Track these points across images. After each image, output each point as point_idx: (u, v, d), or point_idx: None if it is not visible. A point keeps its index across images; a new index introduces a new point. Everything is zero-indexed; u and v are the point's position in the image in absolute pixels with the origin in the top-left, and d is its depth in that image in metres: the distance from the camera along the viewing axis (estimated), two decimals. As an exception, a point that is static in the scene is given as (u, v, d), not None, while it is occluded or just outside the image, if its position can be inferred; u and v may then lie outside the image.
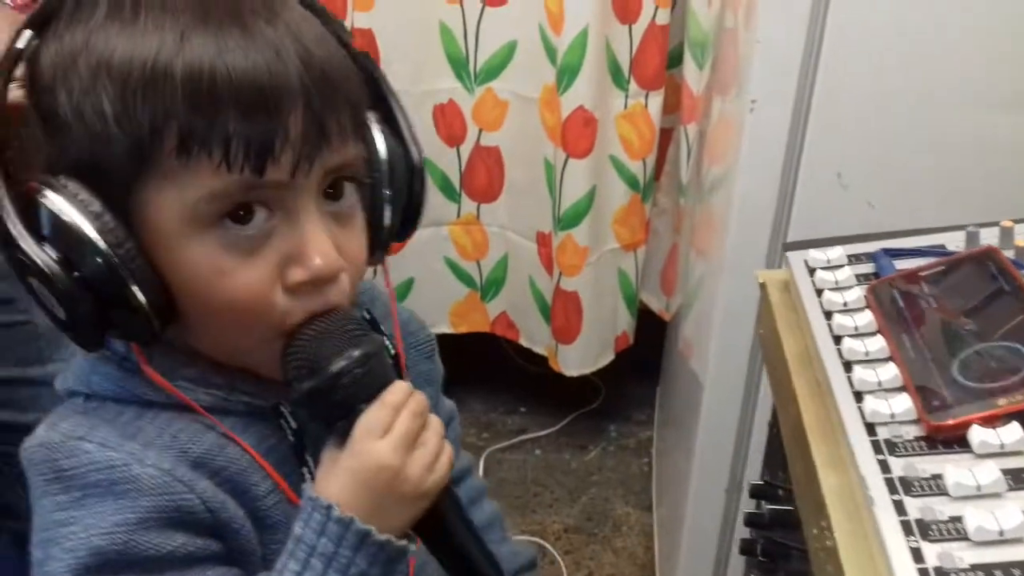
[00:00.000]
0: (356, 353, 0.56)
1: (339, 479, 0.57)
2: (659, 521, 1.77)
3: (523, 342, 2.00)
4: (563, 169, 1.72)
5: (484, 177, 1.85)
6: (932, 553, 0.50)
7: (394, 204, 0.64)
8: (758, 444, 1.22)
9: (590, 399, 2.09)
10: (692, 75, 1.64)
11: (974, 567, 0.49)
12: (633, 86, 1.71)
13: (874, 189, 1.05)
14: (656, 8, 1.64)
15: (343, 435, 0.57)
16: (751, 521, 0.84)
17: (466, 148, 1.82)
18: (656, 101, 1.73)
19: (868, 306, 0.71)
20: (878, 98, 1.03)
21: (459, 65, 1.75)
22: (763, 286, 0.85)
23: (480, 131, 1.80)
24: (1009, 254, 0.71)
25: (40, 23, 0.56)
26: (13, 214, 0.54)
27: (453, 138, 1.80)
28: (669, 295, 1.92)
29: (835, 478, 0.60)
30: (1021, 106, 1.00)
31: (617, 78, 1.70)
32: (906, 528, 0.52)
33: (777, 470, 0.85)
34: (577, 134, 1.69)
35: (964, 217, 0.80)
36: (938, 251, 0.75)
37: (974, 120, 1.01)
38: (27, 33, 0.55)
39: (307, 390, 0.56)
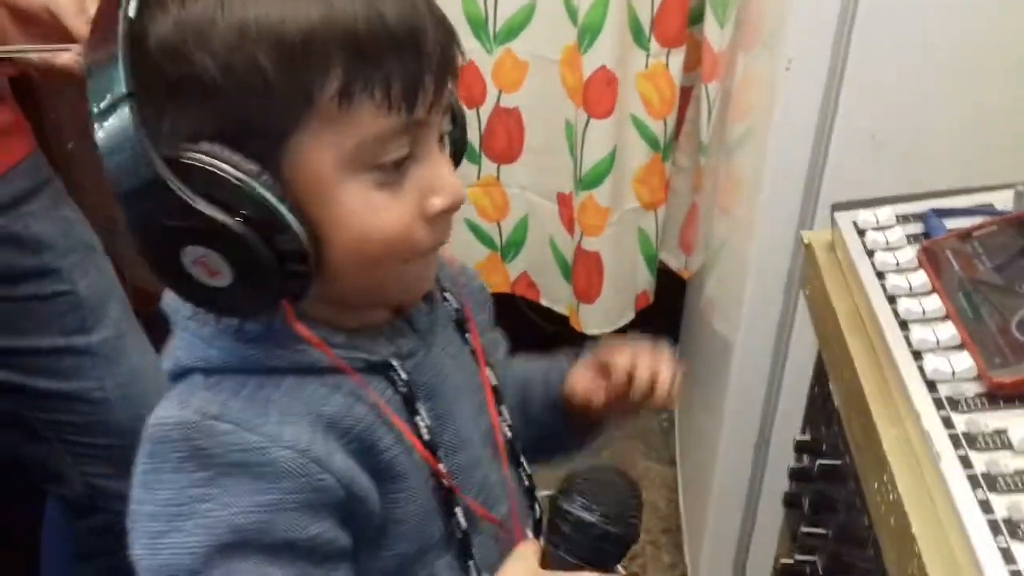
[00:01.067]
0: (638, 524, 0.63)
1: None
2: (683, 475, 1.80)
3: (544, 302, 2.01)
4: (584, 130, 1.72)
5: (504, 139, 1.85)
6: (1001, 504, 0.52)
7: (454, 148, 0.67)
8: (788, 399, 1.25)
9: (608, 357, 2.11)
10: (713, 33, 1.64)
11: (1043, 518, 0.51)
12: (654, 45, 1.71)
13: (909, 149, 1.06)
14: (678, -35, 1.63)
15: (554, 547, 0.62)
16: (796, 475, 0.87)
17: (486, 110, 1.82)
18: (677, 60, 1.72)
19: (921, 266, 0.72)
20: (913, 58, 1.03)
21: (478, 25, 1.75)
22: (808, 247, 0.86)
23: (500, 92, 1.80)
24: (1058, 213, 0.73)
25: None
26: (181, 185, 0.54)
27: (472, 99, 1.80)
28: (688, 254, 1.93)
29: (895, 434, 0.62)
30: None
31: (638, 37, 1.70)
32: (973, 482, 0.54)
33: (820, 427, 0.87)
34: (599, 94, 1.69)
35: (1000, 177, 0.81)
36: (987, 210, 0.77)
37: (1009, 79, 1.01)
38: (133, 3, 0.55)
39: (605, 531, 0.61)
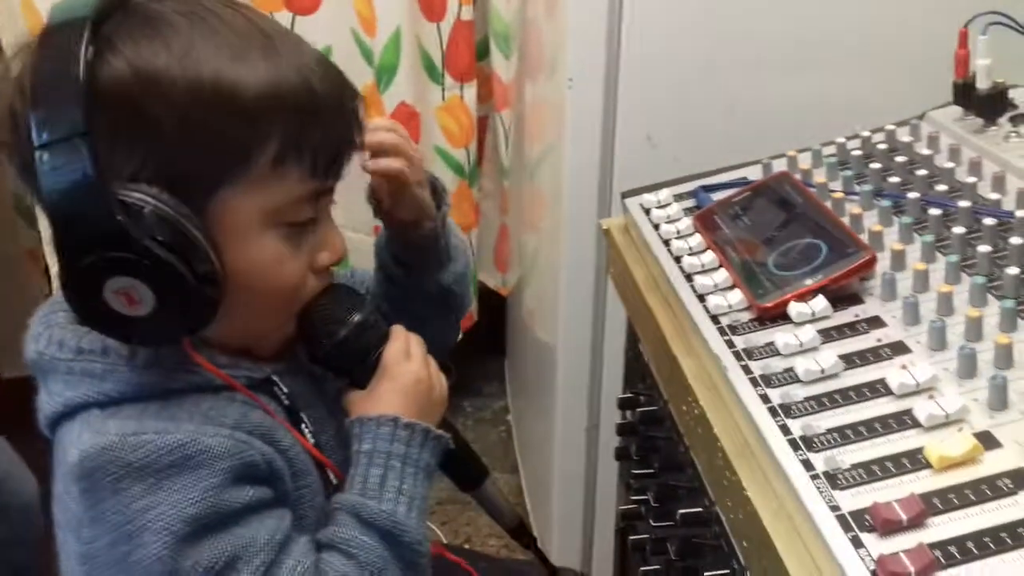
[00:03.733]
0: (369, 308, 0.72)
1: (385, 400, 0.70)
2: (526, 478, 1.91)
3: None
4: (394, 164, 1.82)
5: (317, 180, 1.91)
6: (776, 395, 0.66)
7: None
8: (610, 382, 1.38)
9: (442, 379, 2.20)
10: (500, 65, 1.79)
11: (807, 399, 0.64)
12: (448, 79, 1.83)
13: (679, 146, 1.23)
14: (460, 5, 1.77)
15: (360, 377, 0.72)
16: (622, 429, 0.99)
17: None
18: (470, 92, 1.86)
19: (697, 231, 0.87)
20: (675, 68, 1.21)
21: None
22: (607, 231, 0.99)
23: (307, 136, 1.87)
24: (797, 176, 0.89)
25: (92, 34, 0.58)
26: (123, 219, 0.57)
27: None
28: (504, 271, 2.06)
29: (693, 364, 0.75)
30: (791, 70, 1.21)
31: (432, 73, 1.82)
32: (754, 382, 0.67)
33: (637, 383, 1.00)
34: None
35: (751, 156, 0.98)
36: (743, 182, 0.93)
37: (755, 78, 1.21)
38: (90, 49, 0.57)
39: (341, 338, 0.70)
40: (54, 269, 1.35)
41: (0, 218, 1.84)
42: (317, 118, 0.63)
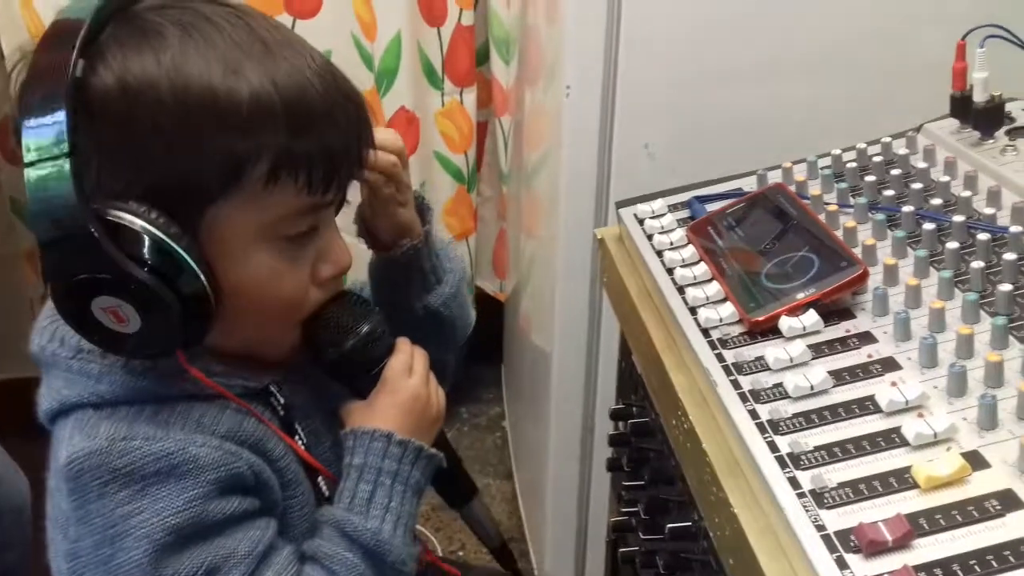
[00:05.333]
0: (377, 318, 0.72)
1: (382, 414, 0.69)
2: (520, 485, 1.90)
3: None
4: (392, 168, 1.82)
5: (315, 184, 1.91)
6: (764, 410, 0.65)
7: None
8: (605, 389, 1.38)
9: (439, 385, 2.20)
10: (500, 71, 1.79)
11: (795, 415, 0.64)
12: (448, 84, 1.84)
13: (676, 156, 1.23)
14: (460, 10, 1.77)
15: (361, 387, 0.72)
16: (614, 441, 0.98)
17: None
18: (470, 97, 1.86)
19: (690, 242, 0.86)
20: (672, 76, 1.21)
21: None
22: (601, 241, 0.99)
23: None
24: (792, 188, 0.89)
25: (84, 47, 0.57)
26: (107, 240, 0.56)
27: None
28: (502, 277, 2.06)
29: (683, 378, 0.75)
30: (789, 81, 1.20)
31: (432, 78, 1.82)
32: (743, 398, 0.67)
33: (630, 394, 1.00)
34: (402, 133, 1.77)
35: (746, 167, 0.97)
36: (737, 193, 0.92)
37: (751, 90, 1.20)
38: (80, 62, 0.56)
39: (348, 348, 0.70)
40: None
41: (-2, 219, 1.85)
42: (313, 131, 0.61)
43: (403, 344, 0.73)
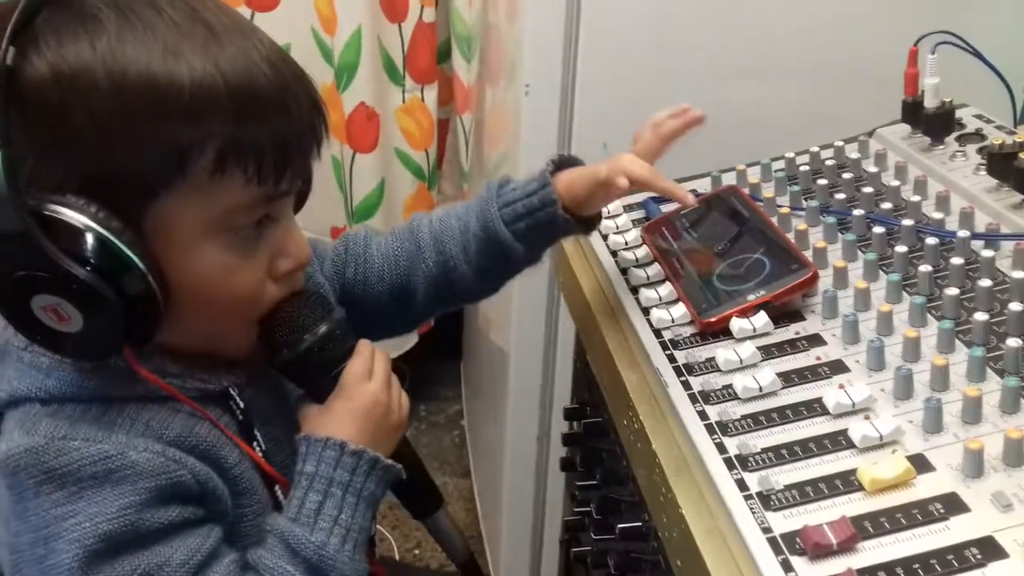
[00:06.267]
0: (337, 318, 0.68)
1: (338, 420, 0.66)
2: (477, 483, 1.90)
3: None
4: (351, 164, 1.80)
5: (272, 179, 1.89)
6: (714, 412, 0.65)
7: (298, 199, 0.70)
8: (561, 390, 1.38)
9: (397, 382, 2.18)
10: (461, 68, 1.78)
11: (744, 417, 0.64)
12: (409, 81, 1.82)
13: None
14: (422, 7, 1.76)
15: (318, 390, 0.68)
16: (568, 440, 0.98)
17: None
18: (431, 94, 1.85)
19: (644, 243, 0.86)
20: (631, 77, 1.21)
21: (237, 71, 1.79)
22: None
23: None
24: (746, 190, 0.89)
25: (16, 35, 0.54)
26: (43, 236, 0.54)
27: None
28: (461, 275, 2.05)
29: (635, 377, 0.74)
30: (745, 83, 1.21)
31: (392, 74, 1.81)
32: (693, 399, 0.67)
33: (584, 393, 0.99)
34: (362, 129, 1.78)
35: (701, 169, 0.98)
36: (691, 194, 0.92)
37: (707, 88, 1.21)
38: (11, 49, 0.53)
39: (303, 349, 0.66)
40: None
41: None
42: (262, 118, 0.58)
43: (363, 347, 0.69)
